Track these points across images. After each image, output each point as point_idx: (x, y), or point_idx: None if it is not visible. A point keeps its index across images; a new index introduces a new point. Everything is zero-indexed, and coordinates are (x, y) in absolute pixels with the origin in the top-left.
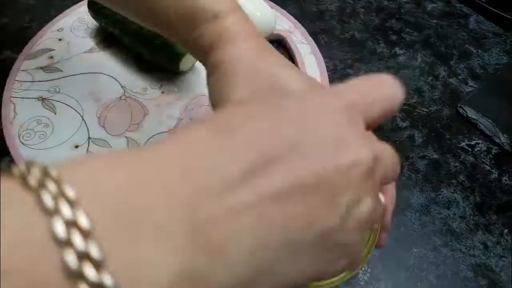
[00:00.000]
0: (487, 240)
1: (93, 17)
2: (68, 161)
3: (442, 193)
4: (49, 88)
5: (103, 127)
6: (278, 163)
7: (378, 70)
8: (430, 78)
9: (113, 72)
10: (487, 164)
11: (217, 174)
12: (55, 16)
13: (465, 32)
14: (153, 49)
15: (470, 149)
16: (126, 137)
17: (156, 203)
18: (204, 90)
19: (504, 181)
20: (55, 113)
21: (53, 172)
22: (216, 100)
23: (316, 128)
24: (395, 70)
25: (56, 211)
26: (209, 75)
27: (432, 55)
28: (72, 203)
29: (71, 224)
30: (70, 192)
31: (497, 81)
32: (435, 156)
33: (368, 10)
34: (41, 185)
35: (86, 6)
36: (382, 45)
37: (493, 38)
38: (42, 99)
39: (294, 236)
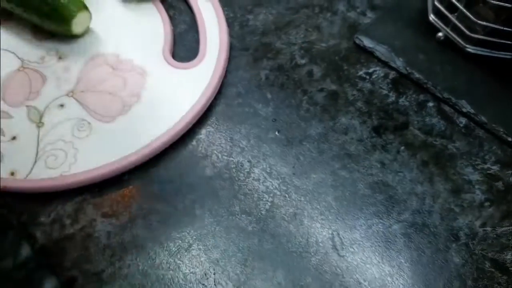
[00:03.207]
0: (384, 159)
1: None
2: None
3: (340, 120)
4: None
5: (3, 99)
6: None
7: (278, 13)
8: (329, 14)
9: (9, 46)
10: (384, 89)
11: None
12: None
13: None
14: (43, 16)
15: (367, 77)
16: (26, 106)
17: None
18: (102, 49)
19: (401, 102)
20: None
21: None
22: None
23: None
24: (295, 10)
25: None
26: None
27: None
28: None
29: None
30: None
31: (393, 10)
32: (333, 87)
33: None
34: None
35: None
36: None
37: None
38: None
39: None
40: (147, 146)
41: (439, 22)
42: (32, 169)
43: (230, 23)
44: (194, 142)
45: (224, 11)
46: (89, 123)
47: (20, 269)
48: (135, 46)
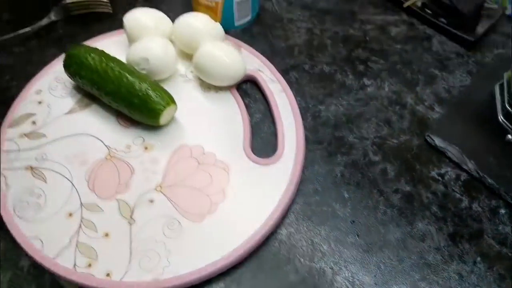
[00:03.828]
0: (461, 270)
1: (70, 77)
2: None
3: (417, 226)
4: (36, 156)
5: (93, 191)
6: None
7: (348, 105)
8: (398, 107)
9: (96, 131)
10: (457, 192)
11: None
12: (34, 74)
13: (429, 54)
14: (132, 108)
15: (440, 178)
16: (116, 199)
17: None
18: (186, 140)
19: (474, 208)
20: (46, 182)
21: None
22: None
23: None
24: (364, 102)
25: None
26: None
27: (399, 83)
28: None
29: None
30: None
31: (461, 105)
32: (408, 188)
33: (335, 40)
34: None
35: (61, 64)
36: (351, 77)
37: (456, 59)
38: (31, 168)
39: None
40: (235, 251)
41: (509, 124)
42: (127, 271)
43: (303, 113)
44: (276, 244)
45: (296, 100)
46: (179, 222)
47: None
48: (217, 138)
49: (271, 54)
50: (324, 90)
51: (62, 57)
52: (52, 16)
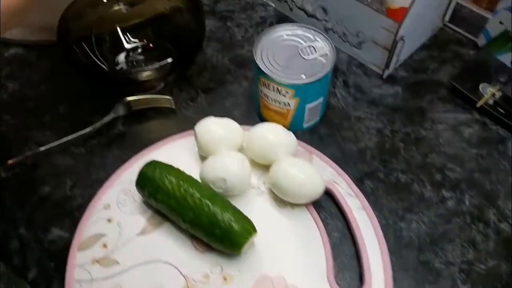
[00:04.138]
0: None
1: (143, 197)
2: None
3: None
4: None
5: None
6: None
7: (430, 222)
8: (481, 225)
9: (171, 258)
10: None
11: None
12: (97, 179)
13: (505, 160)
14: (213, 238)
15: None
16: None
17: None
18: (266, 269)
19: None
20: None
21: None
22: None
23: None
24: (446, 218)
25: None
26: None
27: (479, 195)
28: None
29: None
30: None
31: None
32: None
33: (407, 143)
34: None
35: (128, 172)
36: (429, 188)
37: None
38: None
39: None
40: None
41: None
42: None
43: (384, 231)
44: None
45: (375, 215)
46: None
47: None
48: (298, 265)
49: (343, 159)
50: (403, 203)
51: (128, 165)
52: (112, 113)
